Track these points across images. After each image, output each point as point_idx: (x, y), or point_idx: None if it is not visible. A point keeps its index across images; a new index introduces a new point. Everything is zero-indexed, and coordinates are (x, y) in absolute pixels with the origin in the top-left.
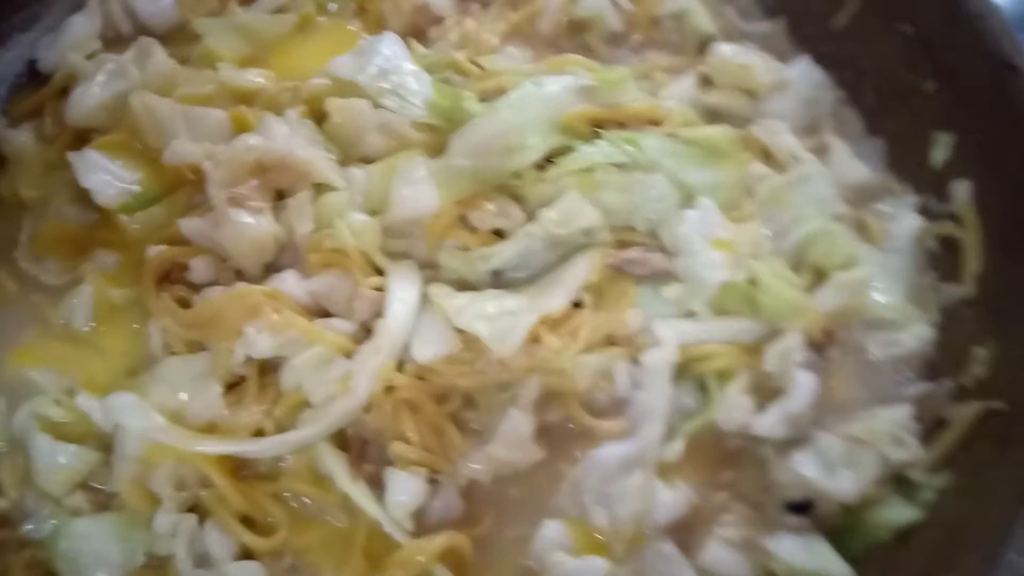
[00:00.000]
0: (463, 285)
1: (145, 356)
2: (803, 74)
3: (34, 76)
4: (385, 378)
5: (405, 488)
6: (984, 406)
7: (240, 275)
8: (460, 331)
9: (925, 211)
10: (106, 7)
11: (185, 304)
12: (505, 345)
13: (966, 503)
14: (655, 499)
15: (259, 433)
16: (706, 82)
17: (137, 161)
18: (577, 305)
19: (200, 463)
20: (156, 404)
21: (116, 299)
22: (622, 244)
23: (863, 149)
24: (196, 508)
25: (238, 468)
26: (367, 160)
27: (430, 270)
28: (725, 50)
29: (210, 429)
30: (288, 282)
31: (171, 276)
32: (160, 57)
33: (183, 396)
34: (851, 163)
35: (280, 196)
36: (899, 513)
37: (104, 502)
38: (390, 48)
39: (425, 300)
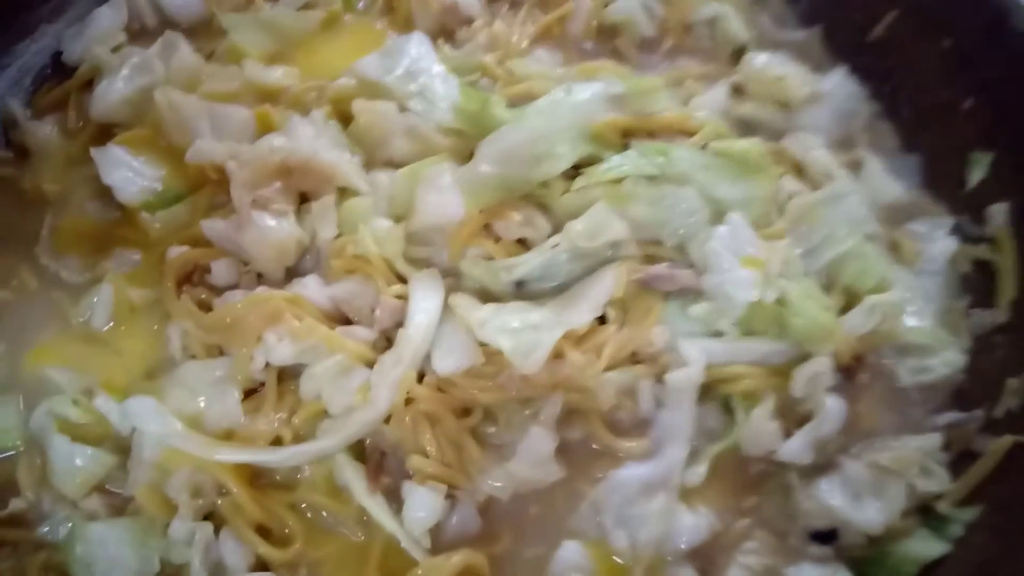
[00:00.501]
0: (485, 295)
1: (164, 358)
2: (838, 86)
3: (59, 68)
4: (405, 389)
5: (423, 503)
6: (1017, 440)
7: (261, 279)
8: (482, 344)
9: (960, 233)
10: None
11: (205, 307)
12: (529, 361)
13: (996, 539)
14: (677, 523)
15: (277, 442)
16: (738, 91)
17: (160, 158)
18: (601, 320)
19: (217, 471)
20: (174, 408)
21: (136, 299)
22: (649, 259)
23: (898, 166)
24: (212, 516)
25: (255, 477)
26: (392, 164)
27: (452, 279)
28: (759, 59)
29: (228, 436)
30: (310, 287)
31: (192, 278)
32: (185, 52)
33: (201, 401)
34: (885, 180)
35: (303, 199)
36: (926, 547)
37: (120, 506)
38: (418, 49)
39: (447, 310)
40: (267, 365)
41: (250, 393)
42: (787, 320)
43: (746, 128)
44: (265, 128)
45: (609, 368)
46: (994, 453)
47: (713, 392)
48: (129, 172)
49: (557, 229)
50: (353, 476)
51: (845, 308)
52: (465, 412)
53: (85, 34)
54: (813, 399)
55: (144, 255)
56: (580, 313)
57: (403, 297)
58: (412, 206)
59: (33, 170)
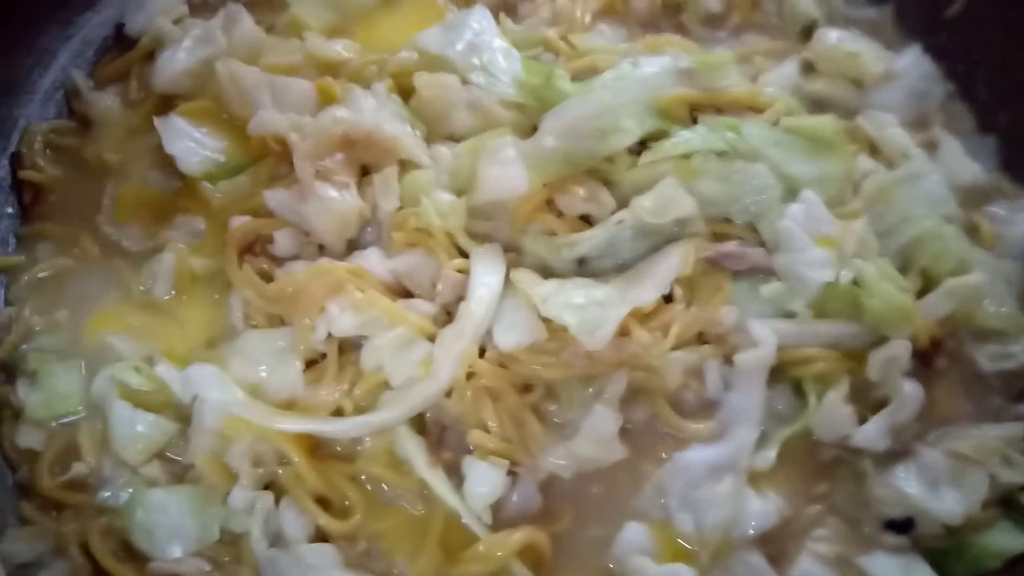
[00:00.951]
0: (545, 271)
1: (225, 328)
2: (913, 64)
3: (121, 40)
4: (467, 364)
5: (485, 479)
6: None
7: (322, 250)
8: (545, 320)
9: None
10: None
11: (267, 277)
12: (595, 338)
13: None
14: (745, 508)
15: (338, 413)
16: (809, 69)
17: (222, 129)
18: (667, 299)
19: (278, 440)
20: (236, 377)
21: (197, 269)
22: (717, 236)
23: (974, 147)
24: (272, 486)
25: (315, 448)
26: (453, 138)
27: (512, 254)
28: (831, 36)
29: (289, 406)
30: (371, 260)
31: (253, 248)
32: (247, 24)
33: (263, 371)
34: (962, 161)
35: (364, 172)
36: (1009, 540)
37: (180, 474)
38: (480, 23)
39: (509, 285)
40: (329, 336)
41: (311, 364)
42: (862, 302)
43: (817, 106)
44: (326, 100)
45: (676, 347)
46: None
47: (784, 375)
48: (191, 142)
49: (622, 205)
50: (414, 449)
51: (922, 291)
52: (526, 388)
53: (147, 6)
54: (889, 384)
55: (206, 225)
56: (646, 290)
57: (464, 271)
58: (474, 180)
59: (95, 140)
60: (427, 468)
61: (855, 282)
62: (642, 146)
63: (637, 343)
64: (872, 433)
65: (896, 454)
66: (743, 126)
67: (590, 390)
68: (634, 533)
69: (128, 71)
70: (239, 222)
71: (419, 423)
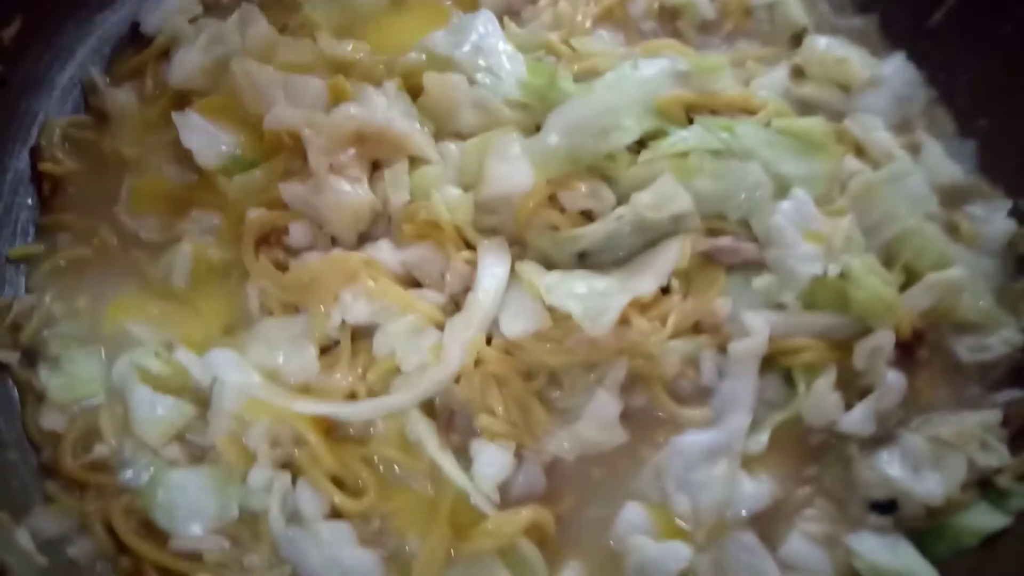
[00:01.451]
0: (548, 265)
1: (241, 316)
2: (897, 70)
3: (136, 38)
4: (475, 351)
5: (492, 460)
6: None
7: (335, 242)
8: (549, 308)
9: (1018, 215)
10: None
11: (282, 267)
12: (598, 324)
13: None
14: (738, 490)
15: (352, 397)
16: (798, 74)
17: (237, 125)
18: (665, 291)
19: (295, 422)
20: (253, 363)
21: (214, 259)
22: (712, 232)
23: (955, 149)
24: (289, 466)
25: (331, 430)
26: (460, 136)
27: (517, 247)
28: (820, 42)
29: (304, 390)
30: (383, 251)
31: (269, 239)
32: (261, 24)
33: (279, 356)
34: (943, 163)
35: (375, 167)
36: (986, 519)
37: (199, 455)
38: (485, 26)
39: (514, 276)
40: (343, 324)
41: (325, 351)
42: (849, 294)
43: (806, 109)
44: (337, 98)
45: (673, 336)
46: None
47: (775, 364)
48: (208, 137)
49: (621, 201)
50: (425, 431)
51: (905, 285)
52: (531, 375)
53: (163, 5)
54: (873, 372)
55: (222, 217)
56: (645, 281)
57: (472, 263)
58: (481, 175)
59: (112, 134)
60: (437, 450)
61: (842, 276)
62: (641, 145)
63: (637, 331)
64: (858, 419)
65: (880, 439)
66: (737, 126)
67: (592, 376)
68: (633, 513)
69: (143, 68)
70: (255, 214)
71: (429, 407)
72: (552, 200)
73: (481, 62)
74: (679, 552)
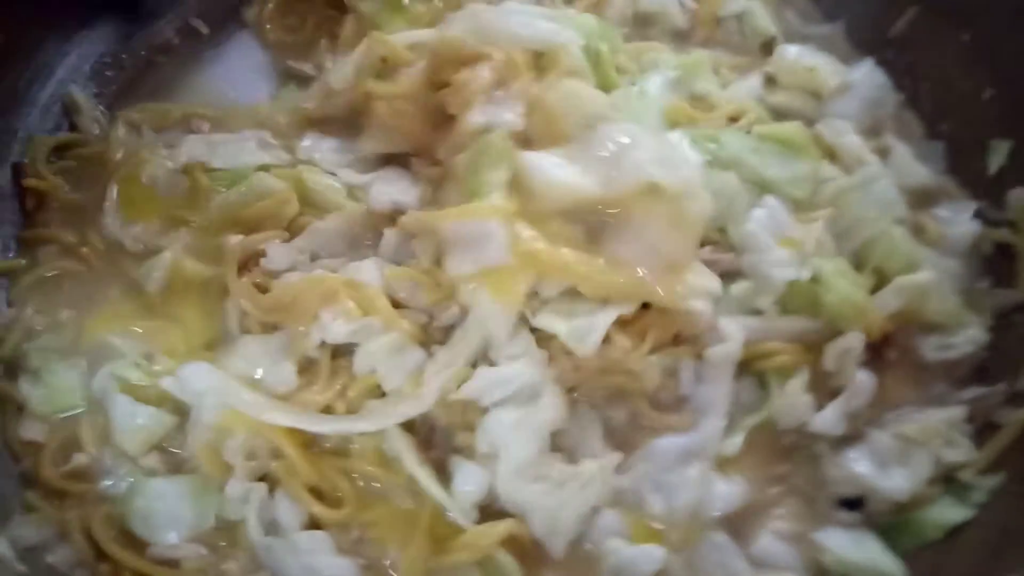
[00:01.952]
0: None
1: (221, 332)
2: (866, 76)
3: (116, 57)
4: (457, 384)
5: (471, 478)
6: None
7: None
8: (534, 330)
9: (982, 216)
10: None
11: (262, 289)
12: (585, 345)
13: (1017, 504)
14: (712, 491)
15: (328, 410)
16: (770, 82)
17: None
18: (645, 305)
19: (272, 434)
20: (232, 375)
21: (191, 273)
22: None
23: (924, 151)
24: (267, 478)
25: (309, 443)
26: None
27: None
28: (790, 51)
29: (282, 403)
30: (367, 272)
31: (248, 264)
32: None
33: (259, 372)
34: (912, 165)
35: None
36: (950, 512)
37: (178, 464)
38: None
39: None
40: (322, 343)
41: (305, 369)
42: (820, 297)
43: (779, 116)
44: None
45: (653, 350)
46: (1015, 424)
47: (750, 367)
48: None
49: None
50: (403, 447)
51: (874, 288)
52: None
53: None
54: (844, 373)
55: (201, 232)
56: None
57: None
58: None
59: (96, 149)
60: (416, 466)
61: (814, 279)
62: None
63: (619, 349)
64: (829, 419)
65: (849, 438)
66: (721, 135)
67: (572, 395)
68: (608, 519)
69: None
70: (235, 240)
71: (409, 422)
72: None
73: None
74: (653, 554)
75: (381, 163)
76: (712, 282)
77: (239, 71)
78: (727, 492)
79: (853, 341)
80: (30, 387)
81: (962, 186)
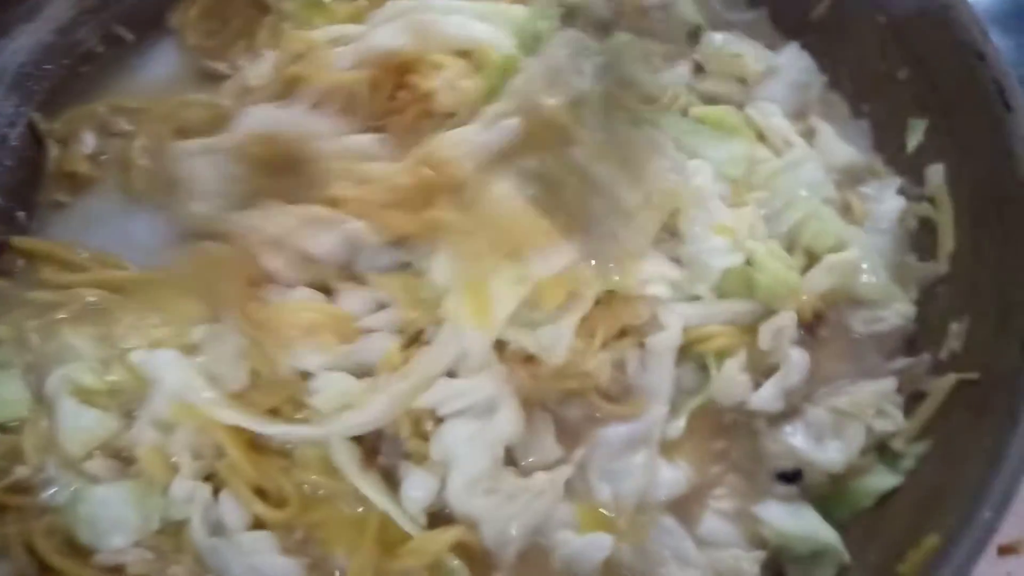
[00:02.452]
0: None
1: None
2: (792, 60)
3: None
4: (404, 406)
5: (420, 484)
6: (959, 377)
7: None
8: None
9: (905, 193)
10: None
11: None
12: (554, 353)
13: (943, 468)
14: (657, 476)
15: (275, 412)
16: (699, 69)
17: None
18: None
19: (216, 432)
20: (196, 367)
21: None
22: None
23: (849, 131)
24: (212, 479)
25: (254, 441)
26: None
27: None
28: (716, 39)
29: (232, 401)
30: (353, 302)
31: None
32: None
33: (219, 366)
34: (838, 145)
35: None
36: (881, 480)
37: (122, 470)
38: None
39: None
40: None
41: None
42: (754, 279)
43: (709, 102)
44: None
45: (603, 346)
46: (940, 391)
47: (690, 352)
48: None
49: None
50: (347, 458)
51: (806, 268)
52: None
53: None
54: (779, 352)
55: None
56: (583, 300)
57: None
58: None
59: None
60: (359, 475)
61: (748, 261)
62: None
63: (574, 351)
64: (766, 397)
65: (786, 413)
66: (660, 119)
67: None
68: (558, 511)
69: None
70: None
71: None
72: None
73: None
74: (602, 542)
75: None
76: (669, 269)
77: (164, 77)
78: (672, 477)
79: (786, 320)
80: None
81: (887, 164)
